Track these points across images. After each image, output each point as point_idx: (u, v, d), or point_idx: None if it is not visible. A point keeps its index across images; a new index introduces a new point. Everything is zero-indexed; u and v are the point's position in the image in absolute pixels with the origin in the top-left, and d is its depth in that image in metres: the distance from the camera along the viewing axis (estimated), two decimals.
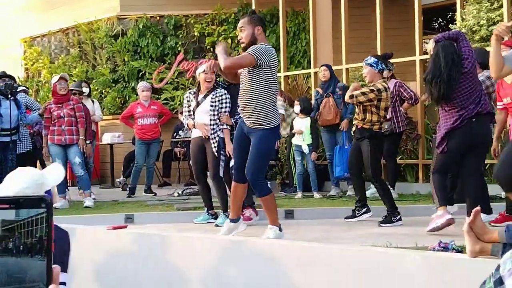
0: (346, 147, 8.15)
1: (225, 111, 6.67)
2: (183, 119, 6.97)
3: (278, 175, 9.70)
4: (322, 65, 8.71)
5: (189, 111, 6.78)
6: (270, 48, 5.17)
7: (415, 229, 5.79)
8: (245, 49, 5.20)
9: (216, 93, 6.68)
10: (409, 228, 5.94)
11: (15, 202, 0.86)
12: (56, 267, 0.91)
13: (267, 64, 5.09)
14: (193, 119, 6.68)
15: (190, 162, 6.94)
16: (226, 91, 6.75)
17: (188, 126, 6.88)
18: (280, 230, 5.28)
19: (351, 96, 6.25)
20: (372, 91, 6.21)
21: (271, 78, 5.16)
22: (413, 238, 4.95)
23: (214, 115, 6.63)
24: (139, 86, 9.91)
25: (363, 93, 6.22)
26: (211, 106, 6.63)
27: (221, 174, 6.63)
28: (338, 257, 3.87)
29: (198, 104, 6.69)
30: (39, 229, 0.84)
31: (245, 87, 5.23)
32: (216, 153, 6.54)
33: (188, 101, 6.84)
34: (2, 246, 0.86)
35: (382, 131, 6.49)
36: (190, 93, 6.91)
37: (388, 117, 7.09)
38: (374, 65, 6.35)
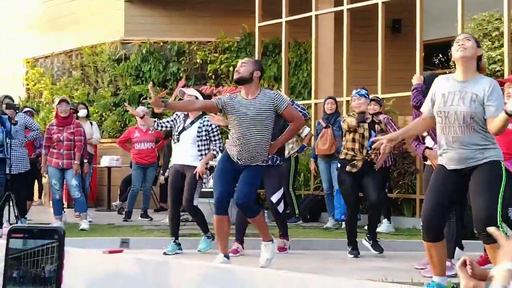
0: None
1: (214, 150, 6.65)
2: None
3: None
4: (329, 98, 8.74)
5: (167, 126, 6.70)
6: (237, 96, 5.54)
7: (412, 264, 5.78)
8: (236, 81, 5.50)
9: (204, 121, 6.61)
10: (405, 263, 5.92)
11: (29, 232, 0.87)
12: None
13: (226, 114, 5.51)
14: (176, 141, 6.63)
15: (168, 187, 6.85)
16: None
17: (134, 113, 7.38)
18: (272, 242, 5.69)
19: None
20: (389, 127, 6.77)
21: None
22: (409, 273, 4.93)
23: (201, 144, 6.58)
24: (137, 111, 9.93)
25: (382, 130, 6.54)
26: (198, 133, 6.58)
27: (195, 203, 6.65)
28: None
29: (184, 129, 6.61)
30: (49, 259, 0.85)
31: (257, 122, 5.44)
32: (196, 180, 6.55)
33: (174, 119, 6.69)
34: (12, 274, 0.87)
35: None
36: (179, 115, 6.78)
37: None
38: (367, 96, 6.68)
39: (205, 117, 6.64)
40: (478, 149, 4.13)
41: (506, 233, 4.20)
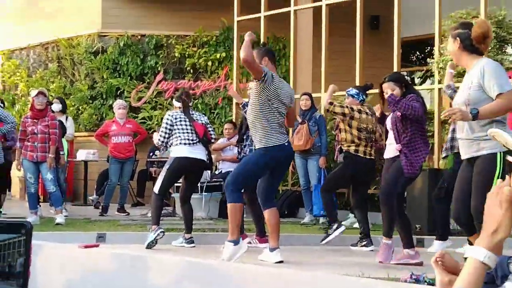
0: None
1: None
2: (159, 138, 6.86)
3: None
4: (304, 94, 8.75)
5: (169, 132, 6.74)
6: (276, 77, 5.50)
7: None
8: (254, 78, 5.51)
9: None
10: None
11: None
12: None
13: (269, 86, 5.38)
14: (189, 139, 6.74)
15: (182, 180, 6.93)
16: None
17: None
18: (237, 243, 5.40)
19: (330, 103, 6.39)
20: (347, 107, 6.50)
21: (268, 102, 5.41)
22: (385, 269, 4.96)
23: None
24: (115, 104, 9.89)
25: (341, 106, 6.51)
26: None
27: (156, 191, 6.65)
28: (309, 284, 3.86)
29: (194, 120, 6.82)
30: (16, 254, 0.83)
31: (250, 106, 5.57)
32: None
33: (176, 118, 6.76)
34: None
35: (361, 155, 6.54)
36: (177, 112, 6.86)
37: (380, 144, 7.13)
38: (356, 96, 6.65)
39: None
40: (474, 139, 4.14)
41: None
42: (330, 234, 6.50)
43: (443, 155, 6.85)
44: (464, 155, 4.26)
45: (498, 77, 4.07)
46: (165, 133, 6.74)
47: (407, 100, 5.45)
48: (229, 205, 5.48)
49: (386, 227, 5.75)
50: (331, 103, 6.39)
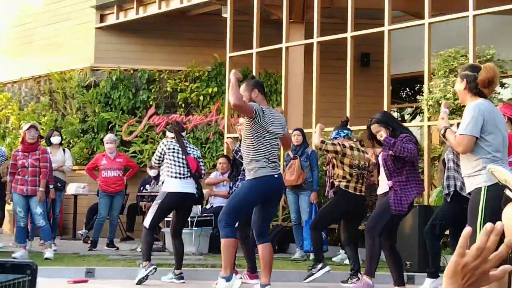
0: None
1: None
2: (154, 161, 6.93)
3: None
4: (295, 129, 8.80)
5: (161, 158, 6.78)
6: (266, 110, 5.60)
7: None
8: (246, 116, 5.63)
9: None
10: None
11: (2, 267, 0.85)
12: None
13: (259, 121, 5.48)
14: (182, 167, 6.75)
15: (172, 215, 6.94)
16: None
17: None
18: (229, 280, 5.44)
19: (322, 141, 6.49)
20: (338, 144, 6.60)
21: (260, 136, 5.50)
22: None
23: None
24: (104, 138, 9.91)
25: (333, 144, 6.58)
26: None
27: (146, 225, 6.62)
28: None
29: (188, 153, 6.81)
30: None
31: (243, 140, 5.67)
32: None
33: (170, 148, 6.78)
34: None
35: (351, 191, 6.56)
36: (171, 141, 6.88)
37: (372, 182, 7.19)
38: (337, 135, 6.84)
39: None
40: (465, 177, 4.43)
41: None
42: (313, 274, 6.52)
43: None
44: (467, 191, 4.56)
45: (465, 119, 4.33)
46: (158, 160, 6.86)
47: (401, 141, 5.47)
48: (222, 240, 5.48)
49: (367, 265, 5.79)
50: (322, 142, 6.48)
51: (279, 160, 9.30)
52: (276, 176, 5.54)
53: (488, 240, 1.26)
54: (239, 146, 6.04)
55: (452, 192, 6.05)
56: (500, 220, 1.58)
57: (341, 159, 6.54)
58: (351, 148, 6.56)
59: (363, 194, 6.69)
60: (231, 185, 7.30)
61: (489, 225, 1.26)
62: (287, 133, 6.01)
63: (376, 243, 5.57)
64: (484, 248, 1.26)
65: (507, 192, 1.63)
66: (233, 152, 6.83)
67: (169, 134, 7.02)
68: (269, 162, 5.50)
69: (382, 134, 5.52)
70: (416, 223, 7.29)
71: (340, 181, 6.56)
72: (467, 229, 1.29)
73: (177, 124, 7.11)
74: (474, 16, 8.32)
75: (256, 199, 5.52)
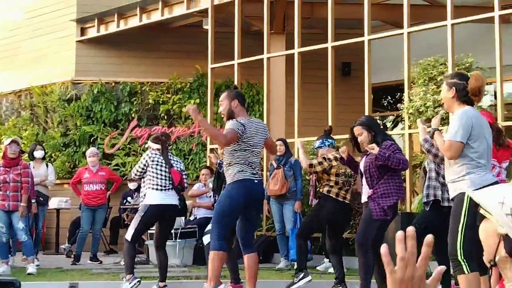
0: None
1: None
2: (135, 173, 6.81)
3: None
4: (278, 140, 8.82)
5: (144, 170, 6.72)
6: (247, 123, 5.60)
7: None
8: (227, 119, 5.68)
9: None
10: None
11: None
12: None
13: (242, 138, 5.52)
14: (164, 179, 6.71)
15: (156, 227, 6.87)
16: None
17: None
18: None
19: (310, 165, 6.49)
20: (324, 159, 6.58)
21: (243, 148, 5.53)
22: None
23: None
24: (87, 152, 9.85)
25: (320, 163, 6.57)
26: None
27: (128, 238, 6.58)
28: None
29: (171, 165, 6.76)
30: None
31: (226, 151, 5.67)
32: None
33: (154, 161, 6.71)
34: None
35: (333, 196, 6.56)
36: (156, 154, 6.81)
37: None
38: (322, 144, 6.83)
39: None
40: (449, 183, 4.49)
41: (465, 271, 4.29)
42: (295, 283, 6.51)
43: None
44: (450, 196, 4.60)
45: (454, 126, 4.39)
46: (140, 172, 6.73)
47: (392, 151, 5.45)
48: (212, 252, 5.46)
49: (363, 281, 5.65)
50: (311, 165, 6.54)
51: (262, 170, 9.33)
52: (256, 181, 5.56)
53: (407, 246, 1.30)
54: (222, 159, 6.04)
55: (431, 202, 6.08)
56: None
57: (327, 171, 6.59)
58: (336, 158, 6.56)
59: (346, 201, 6.68)
60: (215, 197, 7.28)
61: (399, 233, 1.30)
62: (270, 139, 6.02)
63: (369, 257, 5.53)
64: (406, 256, 1.30)
65: (481, 210, 1.65)
66: (217, 166, 6.82)
67: (154, 146, 6.91)
68: (250, 168, 5.52)
69: (375, 147, 5.49)
70: (399, 230, 7.31)
71: (323, 187, 6.58)
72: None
73: (165, 135, 7.08)
74: (452, 25, 8.43)
75: (238, 201, 5.47)
